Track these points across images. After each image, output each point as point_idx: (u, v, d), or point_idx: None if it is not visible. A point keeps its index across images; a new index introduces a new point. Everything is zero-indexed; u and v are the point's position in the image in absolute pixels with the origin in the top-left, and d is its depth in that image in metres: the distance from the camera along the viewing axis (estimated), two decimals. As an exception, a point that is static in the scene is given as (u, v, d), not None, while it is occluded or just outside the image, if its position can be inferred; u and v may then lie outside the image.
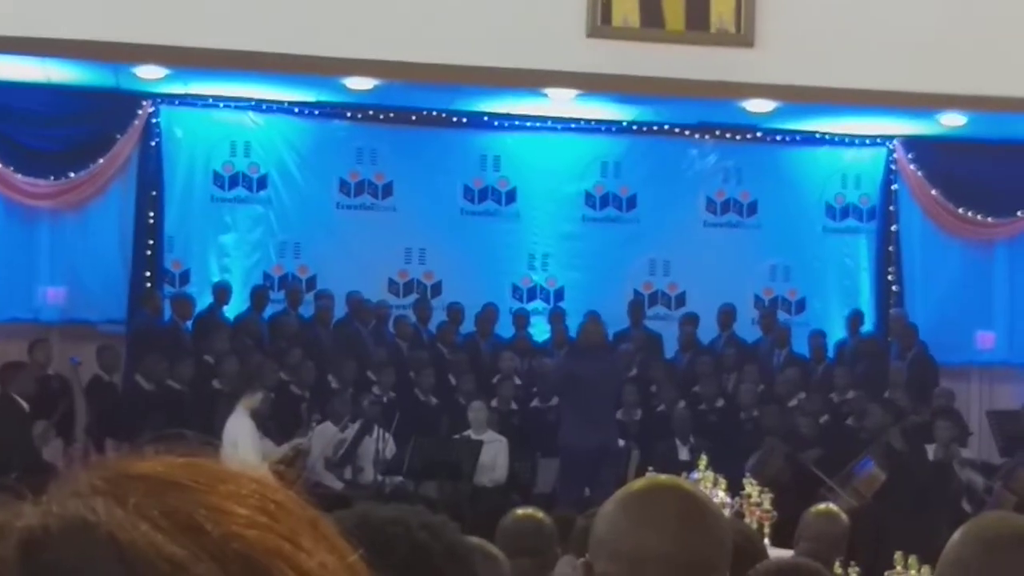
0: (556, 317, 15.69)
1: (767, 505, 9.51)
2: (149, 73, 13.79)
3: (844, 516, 7.63)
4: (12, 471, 12.33)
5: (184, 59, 12.66)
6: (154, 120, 15.22)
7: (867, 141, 16.27)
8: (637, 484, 2.63)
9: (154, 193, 15.24)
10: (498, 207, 16.13)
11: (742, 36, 12.24)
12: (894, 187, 16.27)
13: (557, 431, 13.85)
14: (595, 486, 12.65)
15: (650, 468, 10.91)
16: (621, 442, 13.82)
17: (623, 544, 2.45)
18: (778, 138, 16.16)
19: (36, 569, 0.76)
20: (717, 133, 16.11)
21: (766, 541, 7.69)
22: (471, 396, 14.21)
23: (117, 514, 0.78)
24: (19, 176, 14.51)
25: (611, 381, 13.90)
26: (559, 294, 16.16)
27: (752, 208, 16.43)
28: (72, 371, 14.30)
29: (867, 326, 16.07)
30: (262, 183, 15.71)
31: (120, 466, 0.83)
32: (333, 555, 0.83)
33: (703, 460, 10.28)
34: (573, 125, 15.87)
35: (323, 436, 13.64)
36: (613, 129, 16.01)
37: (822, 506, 7.61)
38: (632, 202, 16.28)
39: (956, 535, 2.60)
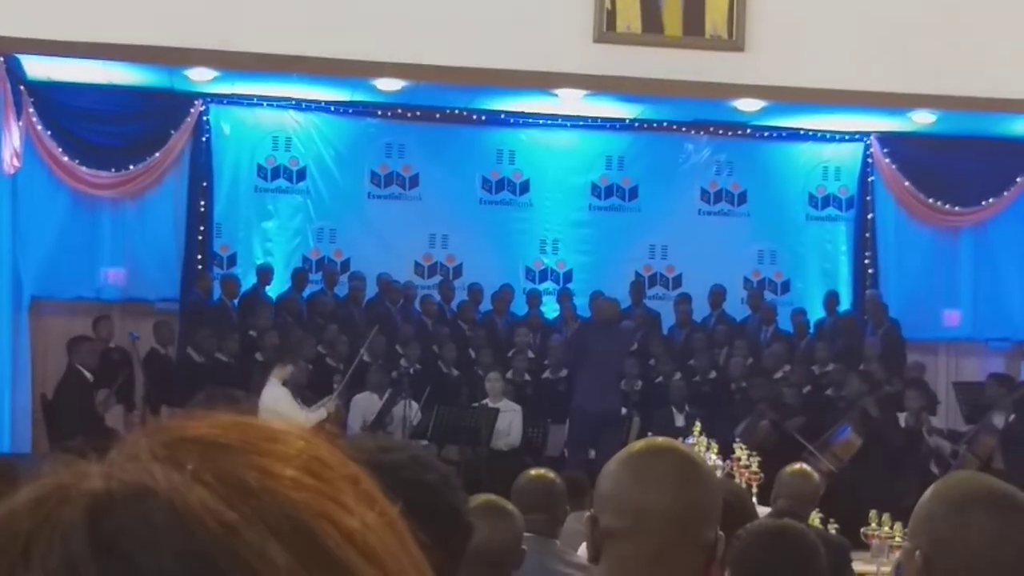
0: (564, 297, 15.67)
1: (755, 467, 9.52)
2: (200, 75, 13.78)
3: (816, 475, 7.59)
4: (77, 434, 12.36)
5: (231, 62, 12.64)
6: (204, 118, 15.21)
7: (846, 137, 16.20)
8: (637, 445, 2.63)
9: (204, 184, 15.24)
10: (513, 197, 16.10)
11: (734, 42, 12.19)
12: (870, 179, 16.22)
13: (566, 400, 13.85)
14: (599, 449, 12.64)
15: (649, 433, 10.91)
16: (623, 410, 13.81)
17: (626, 499, 2.46)
18: (765, 134, 16.11)
19: (102, 533, 0.75)
20: (711, 130, 16.06)
21: (754, 499, 7.68)
22: (489, 368, 14.19)
23: (175, 479, 0.77)
24: (84, 168, 14.51)
25: (619, 354, 13.90)
26: (568, 276, 16.13)
27: (742, 198, 16.39)
28: (131, 345, 14.32)
29: (845, 305, 16.04)
30: (301, 175, 15.69)
31: (175, 429, 0.81)
32: (374, 511, 0.81)
33: (697, 426, 10.28)
34: (581, 122, 15.83)
35: (364, 404, 13.63)
36: (617, 126, 15.97)
37: (796, 466, 7.54)
38: (634, 192, 16.24)
39: (926, 494, 2.59)
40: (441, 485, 2.12)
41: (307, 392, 13.16)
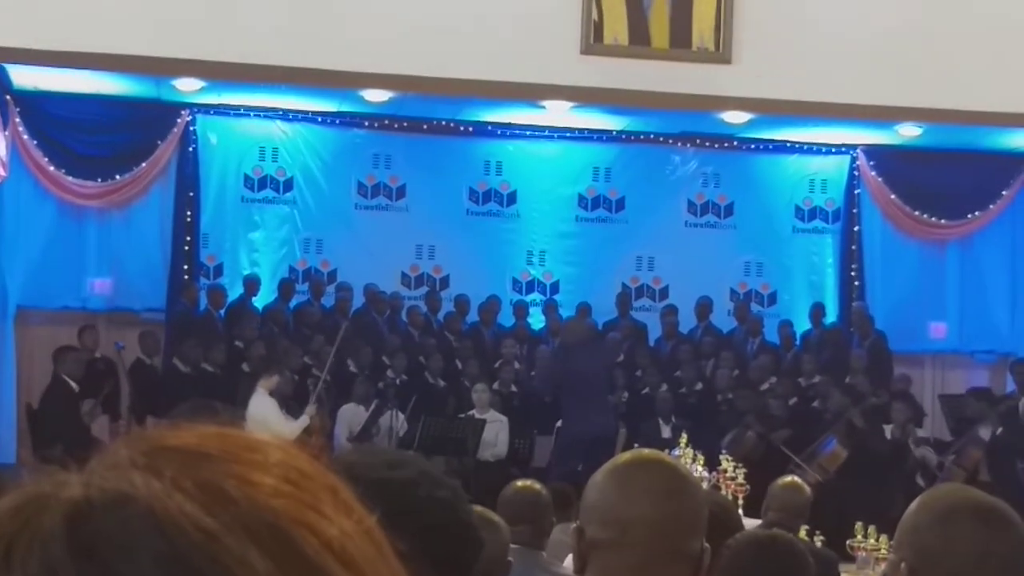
0: (550, 308, 15.67)
1: (741, 479, 9.53)
2: (187, 85, 13.77)
3: (807, 488, 7.61)
4: (61, 444, 12.33)
5: (218, 73, 12.64)
6: (191, 128, 15.20)
7: (832, 150, 16.23)
8: (623, 457, 2.63)
9: (191, 194, 15.22)
10: (500, 208, 16.10)
11: (720, 54, 12.22)
12: (857, 192, 16.25)
13: (553, 414, 13.80)
14: (587, 461, 12.61)
15: (636, 445, 10.89)
16: (617, 429, 13.70)
17: (611, 510, 2.46)
18: (752, 146, 16.13)
19: (81, 539, 0.75)
20: (697, 142, 16.07)
21: (739, 511, 7.68)
22: (475, 379, 14.18)
23: (154, 486, 0.77)
24: (70, 178, 14.49)
25: (603, 369, 13.82)
26: (555, 287, 16.13)
27: (729, 210, 16.41)
28: (117, 355, 14.29)
29: (831, 317, 16.05)
30: (288, 185, 15.68)
31: (155, 439, 0.82)
32: (352, 520, 0.81)
33: (684, 438, 10.27)
34: (568, 134, 15.84)
35: (349, 415, 13.62)
36: (604, 138, 15.98)
37: (788, 479, 7.57)
38: (621, 204, 16.25)
39: (912, 505, 2.59)
40: (452, 500, 2.12)
41: (292, 402, 13.15)
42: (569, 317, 14.74)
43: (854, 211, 16.26)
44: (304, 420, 12.62)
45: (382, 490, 1.96)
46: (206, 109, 15.16)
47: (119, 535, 0.75)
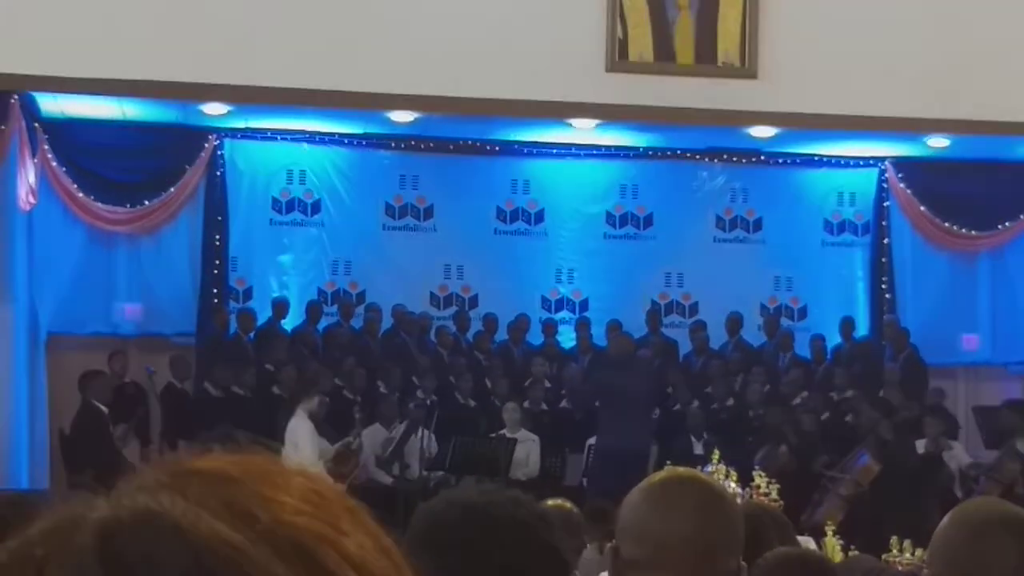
0: (581, 326, 15.67)
1: (774, 495, 9.48)
2: (214, 110, 13.85)
3: None
4: (93, 469, 12.39)
5: (245, 97, 12.70)
6: (219, 152, 15.27)
7: (860, 163, 16.20)
8: (659, 475, 2.63)
9: (219, 218, 15.28)
10: (528, 227, 16.11)
11: (746, 69, 12.21)
12: (886, 204, 16.20)
13: (584, 432, 13.78)
14: (621, 477, 12.55)
15: (668, 462, 10.87)
16: (651, 446, 13.66)
17: (646, 529, 2.46)
18: (780, 161, 16.11)
19: (112, 554, 0.77)
20: (725, 157, 16.06)
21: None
22: (505, 398, 14.18)
23: (180, 504, 0.79)
24: (99, 204, 14.57)
25: (644, 387, 13.80)
26: (584, 305, 16.13)
27: (757, 224, 16.38)
28: (148, 379, 14.35)
29: (862, 331, 16.00)
30: (316, 208, 15.73)
31: (180, 463, 0.84)
32: (370, 538, 0.84)
33: (716, 454, 10.25)
34: (594, 152, 15.86)
35: (373, 436, 13.65)
36: (630, 155, 15.99)
37: None
38: (648, 221, 16.24)
39: (945, 519, 2.58)
40: (537, 523, 2.17)
41: (325, 425, 13.18)
42: (615, 325, 14.73)
43: (883, 224, 16.21)
44: (338, 445, 12.69)
45: (467, 513, 2.02)
46: (233, 133, 15.24)
47: (148, 549, 0.77)
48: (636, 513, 2.50)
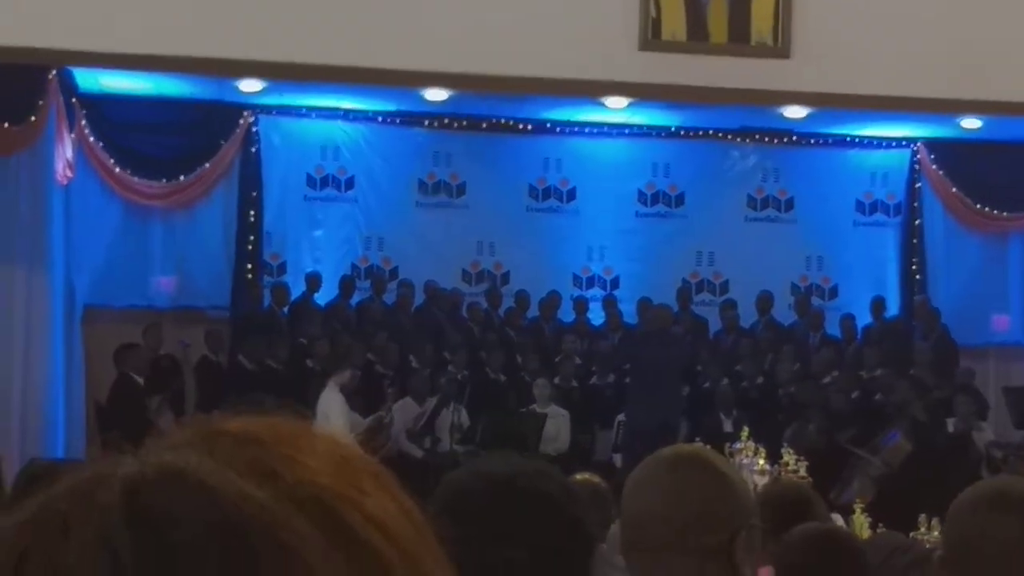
0: (610, 303, 15.68)
1: (803, 472, 9.48)
2: (249, 86, 13.88)
3: None
4: (129, 440, 12.47)
5: (280, 73, 12.73)
6: (254, 129, 15.33)
7: (893, 144, 16.13)
8: (654, 455, 2.68)
9: (254, 194, 15.34)
10: (560, 204, 16.11)
11: (779, 48, 12.16)
12: (917, 185, 16.14)
13: (614, 406, 13.80)
14: (651, 451, 12.56)
15: (697, 439, 10.87)
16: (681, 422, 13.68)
17: (626, 508, 2.55)
18: (812, 141, 16.05)
19: (138, 511, 0.78)
20: (757, 137, 16.03)
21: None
22: (536, 374, 14.22)
23: (206, 463, 0.81)
24: (136, 179, 14.65)
25: (677, 362, 13.81)
26: (615, 282, 16.13)
27: (789, 204, 16.35)
28: (182, 352, 14.43)
29: (892, 311, 15.95)
30: (349, 184, 15.78)
31: (209, 424, 0.86)
32: (393, 501, 0.85)
33: (745, 432, 10.25)
34: (627, 130, 15.84)
35: (405, 411, 13.70)
36: (663, 134, 15.96)
37: None
38: (680, 199, 16.23)
39: (962, 495, 2.60)
40: (562, 496, 2.19)
41: (356, 399, 13.24)
42: (646, 300, 14.76)
43: (915, 204, 16.15)
44: (370, 419, 12.74)
45: (491, 487, 2.06)
46: (268, 110, 15.28)
47: (173, 505, 0.78)
48: (625, 492, 2.57)
